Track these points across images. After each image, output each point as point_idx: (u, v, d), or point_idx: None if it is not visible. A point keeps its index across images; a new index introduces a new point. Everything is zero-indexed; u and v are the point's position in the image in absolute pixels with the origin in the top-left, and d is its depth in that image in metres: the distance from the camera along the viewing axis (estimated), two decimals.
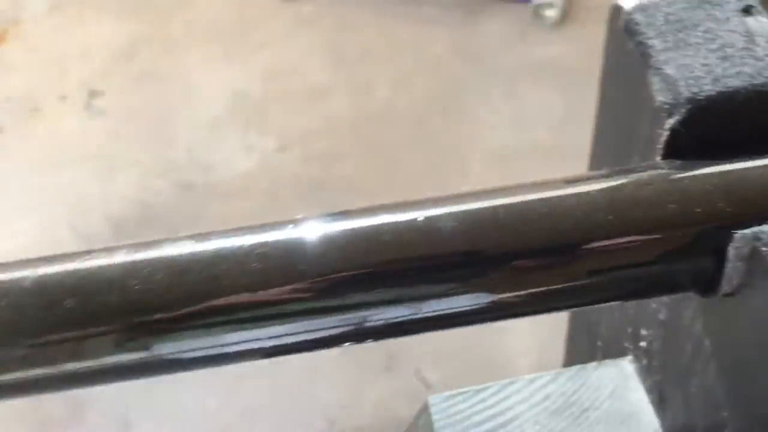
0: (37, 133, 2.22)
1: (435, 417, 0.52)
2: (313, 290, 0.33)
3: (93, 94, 2.31)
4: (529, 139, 2.04)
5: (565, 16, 2.32)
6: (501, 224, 0.34)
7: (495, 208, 0.34)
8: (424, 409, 0.53)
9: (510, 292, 0.36)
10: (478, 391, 0.52)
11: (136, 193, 2.04)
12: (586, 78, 2.13)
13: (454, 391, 0.52)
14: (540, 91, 2.16)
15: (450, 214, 0.34)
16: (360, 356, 1.66)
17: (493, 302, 0.36)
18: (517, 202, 0.35)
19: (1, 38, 2.53)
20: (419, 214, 0.34)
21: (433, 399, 0.53)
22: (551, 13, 2.31)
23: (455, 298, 0.36)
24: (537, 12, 2.32)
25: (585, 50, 2.24)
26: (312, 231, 0.34)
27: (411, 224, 0.34)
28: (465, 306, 0.36)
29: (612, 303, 0.48)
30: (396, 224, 0.34)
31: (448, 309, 0.36)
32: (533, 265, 0.35)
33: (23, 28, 2.56)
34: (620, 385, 0.50)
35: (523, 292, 0.36)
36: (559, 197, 0.35)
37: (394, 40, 2.37)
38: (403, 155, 2.05)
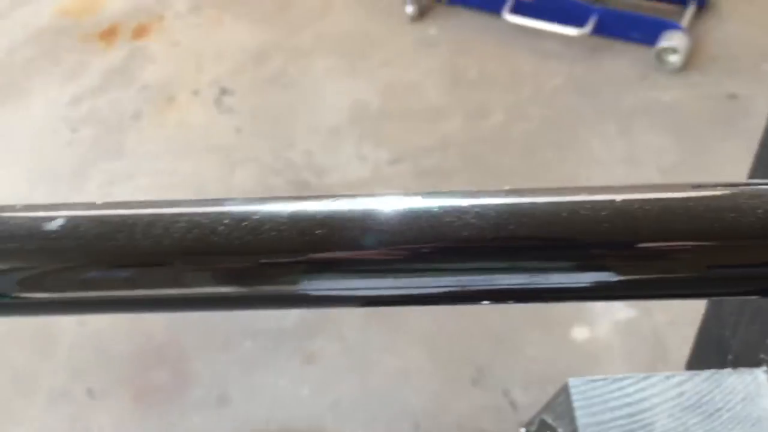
0: (170, 121, 2.38)
1: (574, 398, 0.56)
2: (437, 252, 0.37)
3: (223, 91, 2.46)
4: (640, 179, 2.04)
5: (688, 63, 2.32)
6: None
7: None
8: (564, 390, 0.57)
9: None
10: (616, 380, 0.56)
11: (253, 186, 2.15)
12: (702, 126, 2.13)
13: (593, 377, 0.57)
14: (655, 133, 2.16)
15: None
16: (449, 367, 1.71)
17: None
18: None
19: (144, 31, 2.73)
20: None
21: (572, 381, 0.57)
22: (674, 58, 2.31)
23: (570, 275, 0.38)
24: (660, 56, 2.32)
25: (704, 98, 2.23)
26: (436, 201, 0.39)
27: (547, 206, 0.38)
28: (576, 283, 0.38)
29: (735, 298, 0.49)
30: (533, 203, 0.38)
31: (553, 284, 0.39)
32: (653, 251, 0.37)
33: (165, 24, 2.75)
34: (753, 391, 0.53)
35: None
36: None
37: (513, 69, 2.42)
38: (513, 180, 2.09)
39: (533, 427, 0.58)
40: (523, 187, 0.41)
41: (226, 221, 0.38)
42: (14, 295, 0.39)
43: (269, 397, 1.71)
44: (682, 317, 1.72)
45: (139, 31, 2.72)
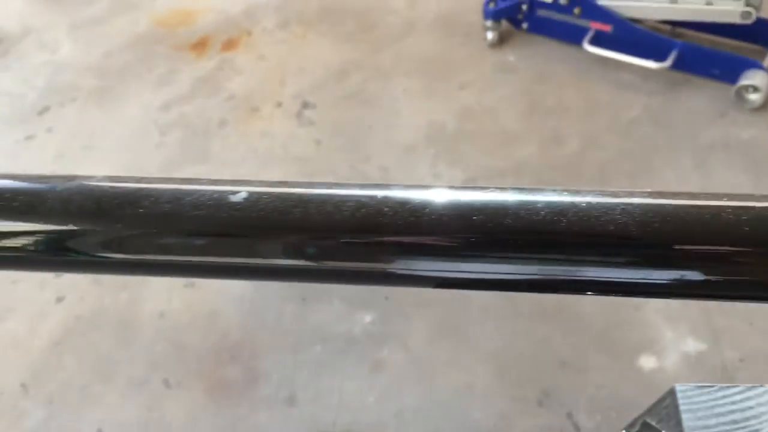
0: (253, 130, 2.48)
1: (681, 402, 0.59)
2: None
3: (305, 104, 2.55)
4: None
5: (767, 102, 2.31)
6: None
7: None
8: (670, 394, 0.60)
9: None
10: (722, 389, 0.59)
11: None
12: None
13: (699, 383, 0.60)
14: (731, 169, 2.16)
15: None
16: (515, 386, 1.73)
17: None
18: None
19: (233, 45, 2.85)
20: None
21: (679, 387, 0.60)
22: (755, 97, 2.30)
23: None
24: (740, 93, 2.32)
25: None
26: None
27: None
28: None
29: None
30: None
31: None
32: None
33: (253, 38, 2.87)
34: None
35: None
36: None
37: (590, 99, 2.45)
38: None
39: (635, 429, 0.61)
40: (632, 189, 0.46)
41: (390, 204, 0.43)
42: (199, 259, 0.46)
43: (335, 400, 1.76)
44: (753, 354, 1.71)
45: (228, 45, 2.84)
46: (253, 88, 2.65)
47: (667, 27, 2.58)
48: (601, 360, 1.76)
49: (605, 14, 2.48)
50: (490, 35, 2.66)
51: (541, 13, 2.63)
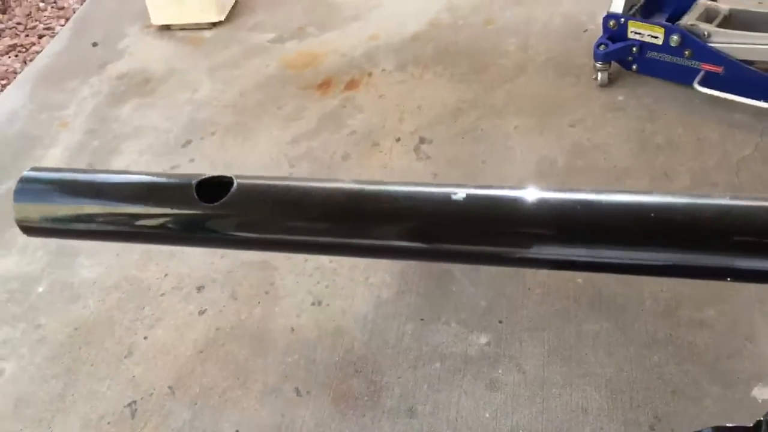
0: (374, 163, 2.67)
1: None
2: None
3: (422, 140, 2.72)
4: None
5: None
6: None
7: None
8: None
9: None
10: None
11: None
12: None
13: None
14: None
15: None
16: (628, 410, 1.81)
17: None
18: None
19: (355, 85, 3.07)
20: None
21: None
22: None
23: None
24: None
25: None
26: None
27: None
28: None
29: None
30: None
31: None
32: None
33: (373, 79, 3.09)
34: None
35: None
36: None
37: (700, 137, 2.51)
38: None
39: None
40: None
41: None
42: (417, 243, 0.61)
43: (453, 415, 1.89)
44: None
45: (351, 84, 3.07)
46: (374, 124, 2.85)
47: None
48: (714, 389, 1.81)
49: (716, 56, 2.55)
50: (600, 76, 2.77)
51: (651, 54, 2.72)
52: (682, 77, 2.66)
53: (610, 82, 2.79)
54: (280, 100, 3.07)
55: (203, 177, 0.62)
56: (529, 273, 2.18)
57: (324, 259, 2.34)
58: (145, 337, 2.21)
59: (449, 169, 2.59)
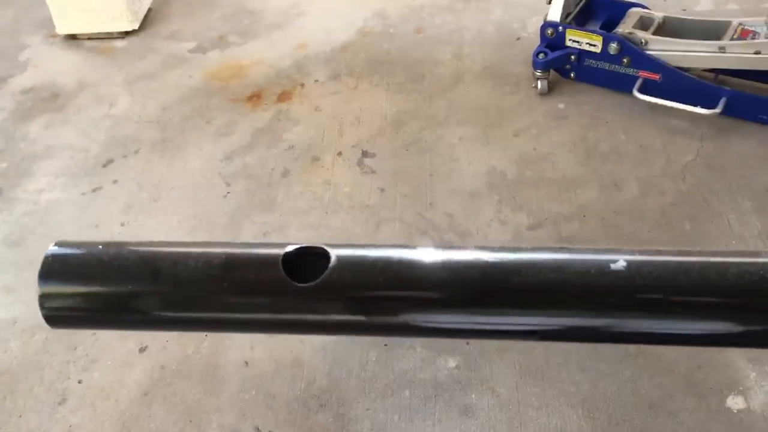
0: (316, 179, 2.54)
1: None
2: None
3: (365, 154, 2.62)
4: None
5: None
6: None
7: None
8: None
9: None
10: None
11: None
12: None
13: None
14: None
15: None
16: (606, 428, 1.76)
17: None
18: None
19: (287, 97, 2.93)
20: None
21: None
22: None
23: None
24: None
25: None
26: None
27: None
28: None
29: None
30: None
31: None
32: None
33: (306, 90, 2.96)
34: None
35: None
36: None
37: (643, 145, 2.53)
38: None
39: None
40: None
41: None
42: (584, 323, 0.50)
43: None
44: None
45: (283, 96, 2.93)
46: (312, 138, 2.72)
47: (712, 75, 2.67)
48: (689, 401, 1.80)
49: (654, 63, 2.58)
50: (540, 84, 2.75)
51: (589, 62, 2.72)
52: (620, 85, 2.68)
53: (549, 90, 2.77)
54: (208, 113, 2.89)
55: (288, 250, 0.49)
56: None
57: None
58: (80, 381, 2.00)
59: (397, 183, 2.49)
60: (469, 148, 2.60)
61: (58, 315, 0.49)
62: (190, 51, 3.28)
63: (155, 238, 2.38)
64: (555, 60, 2.72)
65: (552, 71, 2.79)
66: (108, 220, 2.48)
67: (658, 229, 2.24)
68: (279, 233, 2.36)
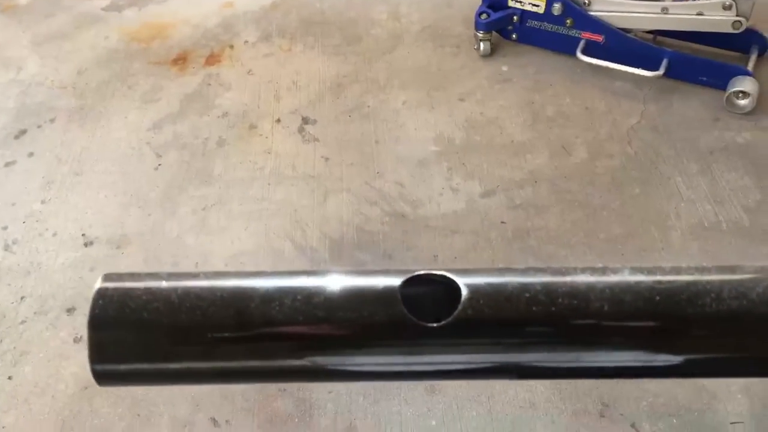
0: (255, 149, 2.39)
1: None
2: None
3: (306, 120, 2.48)
4: (726, 217, 2.13)
5: (756, 107, 2.43)
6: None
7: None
8: None
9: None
10: None
11: (349, 216, 2.18)
12: None
13: None
14: (734, 172, 2.26)
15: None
16: (575, 399, 1.75)
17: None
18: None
19: (216, 59, 2.74)
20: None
21: None
22: (745, 102, 2.42)
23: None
24: (730, 99, 2.43)
25: None
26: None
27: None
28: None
29: None
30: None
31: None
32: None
33: (236, 52, 2.78)
34: None
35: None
36: None
37: (587, 107, 2.50)
38: (603, 216, 2.15)
39: None
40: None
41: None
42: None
43: (397, 427, 1.73)
44: None
45: (211, 59, 2.74)
46: (247, 104, 2.56)
47: (650, 36, 2.67)
48: None
49: (597, 25, 2.54)
50: (482, 46, 2.67)
51: (532, 23, 2.67)
52: (563, 46, 2.64)
53: (492, 52, 2.70)
54: (129, 78, 2.67)
55: (403, 280, 0.39)
56: (448, 263, 2.05)
57: (217, 262, 2.06)
58: (10, 377, 1.82)
59: (341, 151, 2.38)
60: (414, 113, 2.50)
61: (114, 372, 0.38)
62: (103, 9, 3.02)
63: (82, 216, 2.19)
64: (497, 21, 2.65)
65: (494, 32, 2.71)
66: (26, 197, 2.26)
67: (609, 193, 2.22)
68: (220, 208, 2.21)
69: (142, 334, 0.39)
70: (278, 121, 2.49)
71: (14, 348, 1.88)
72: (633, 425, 1.70)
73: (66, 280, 2.02)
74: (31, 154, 2.39)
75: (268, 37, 2.85)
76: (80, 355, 1.85)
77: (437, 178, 2.28)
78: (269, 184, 2.28)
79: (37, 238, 2.14)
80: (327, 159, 2.36)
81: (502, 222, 2.15)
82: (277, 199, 2.24)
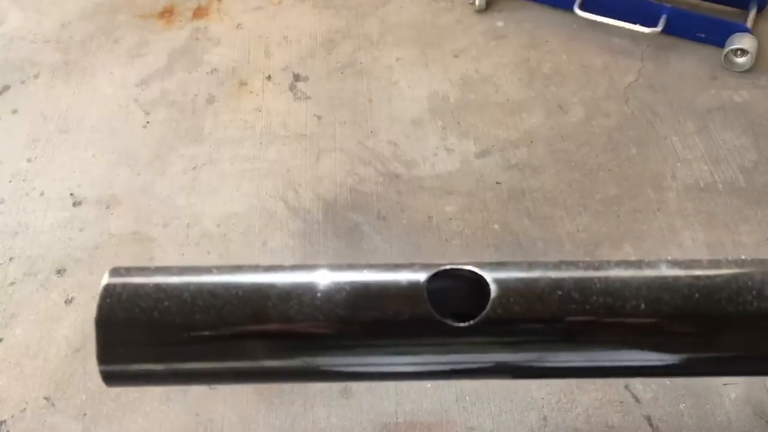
0: (246, 106, 2.34)
1: None
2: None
3: (297, 77, 2.43)
4: (723, 177, 2.12)
5: (755, 65, 2.40)
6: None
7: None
8: None
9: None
10: None
11: (342, 177, 2.15)
12: None
13: None
14: (731, 132, 2.24)
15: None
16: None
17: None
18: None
19: (204, 12, 2.67)
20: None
21: None
22: (743, 60, 2.39)
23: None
24: (728, 57, 2.39)
25: None
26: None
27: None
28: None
29: None
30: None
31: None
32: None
33: (225, 5, 2.70)
34: None
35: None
36: None
37: (585, 65, 2.46)
38: (600, 176, 2.14)
39: None
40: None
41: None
42: None
43: (392, 389, 1.73)
44: None
45: (199, 12, 2.66)
46: (236, 60, 2.49)
47: None
48: None
49: None
50: (478, 0, 2.61)
51: None
52: (561, 1, 2.58)
53: (487, 6, 2.64)
54: (115, 32, 2.60)
55: (429, 274, 0.37)
56: (443, 224, 2.03)
57: (209, 224, 2.03)
58: (0, 340, 1.80)
59: (334, 110, 2.33)
60: (408, 70, 2.45)
61: (124, 372, 0.35)
62: None
63: (70, 175, 2.15)
64: None
65: None
66: (11, 155, 2.21)
67: (605, 154, 2.20)
68: (211, 167, 2.18)
69: (154, 334, 0.36)
70: (269, 78, 2.43)
71: (4, 310, 1.85)
72: (627, 387, 1.70)
73: (55, 240, 1.99)
74: (15, 111, 2.33)
75: None
76: (72, 317, 1.83)
77: (431, 137, 2.25)
78: (261, 143, 2.24)
79: (24, 197, 2.10)
80: (319, 117, 2.31)
81: (497, 183, 2.13)
82: (269, 158, 2.20)
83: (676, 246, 1.97)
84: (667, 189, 2.10)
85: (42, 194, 2.11)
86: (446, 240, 2.00)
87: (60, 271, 1.93)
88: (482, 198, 2.09)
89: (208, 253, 1.96)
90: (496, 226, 2.03)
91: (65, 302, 1.87)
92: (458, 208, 2.06)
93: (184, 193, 2.10)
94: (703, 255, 1.97)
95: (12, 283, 1.90)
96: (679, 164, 2.17)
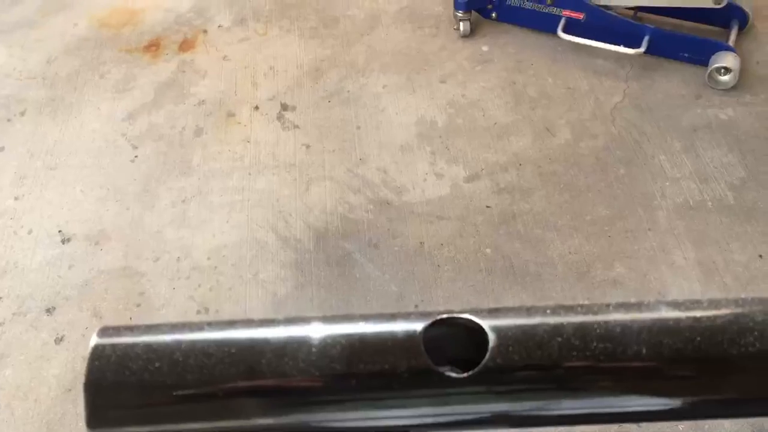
0: (234, 137, 2.34)
1: None
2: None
3: (284, 107, 2.43)
4: (712, 195, 2.12)
5: (738, 82, 2.42)
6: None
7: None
8: None
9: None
10: None
11: (333, 205, 2.14)
12: (764, 143, 2.23)
13: None
14: (718, 149, 2.25)
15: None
16: None
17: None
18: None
19: (190, 45, 2.68)
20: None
21: None
22: (726, 78, 2.41)
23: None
24: (712, 75, 2.41)
25: (760, 116, 2.34)
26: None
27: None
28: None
29: None
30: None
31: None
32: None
33: (210, 37, 2.71)
34: None
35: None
36: None
37: (570, 87, 2.48)
38: (590, 198, 2.14)
39: None
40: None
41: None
42: None
43: None
44: None
45: (185, 45, 2.67)
46: (224, 91, 2.50)
47: (631, 12, 2.64)
48: None
49: (578, 2, 2.51)
50: (462, 26, 2.63)
51: (512, 2, 2.63)
52: (544, 25, 2.61)
53: (472, 32, 2.66)
54: (101, 67, 2.60)
55: (426, 324, 0.36)
56: (435, 250, 2.03)
57: (199, 256, 2.02)
58: None
59: (322, 138, 2.33)
60: (395, 96, 2.46)
61: None
62: None
63: (58, 212, 2.13)
64: (477, 0, 2.61)
65: (473, 12, 2.67)
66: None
67: (594, 174, 2.21)
68: (200, 199, 2.17)
69: (145, 397, 0.36)
70: (256, 108, 2.43)
71: None
72: None
73: (44, 278, 1.97)
74: (1, 149, 2.32)
75: (242, 20, 2.78)
76: (62, 356, 1.81)
77: (420, 163, 2.25)
78: (250, 173, 2.23)
79: (12, 236, 2.08)
80: (308, 146, 2.31)
81: (488, 206, 2.13)
82: (258, 189, 2.19)
83: (668, 265, 1.97)
84: (657, 208, 2.11)
85: (30, 232, 2.09)
86: (438, 266, 1.99)
87: (49, 310, 1.90)
88: (473, 222, 2.09)
89: (199, 286, 1.94)
90: (488, 250, 2.02)
91: (55, 341, 1.84)
92: (449, 233, 2.06)
93: (173, 226, 2.09)
94: (696, 274, 1.97)
95: (1, 324, 1.88)
96: (667, 183, 2.17)
